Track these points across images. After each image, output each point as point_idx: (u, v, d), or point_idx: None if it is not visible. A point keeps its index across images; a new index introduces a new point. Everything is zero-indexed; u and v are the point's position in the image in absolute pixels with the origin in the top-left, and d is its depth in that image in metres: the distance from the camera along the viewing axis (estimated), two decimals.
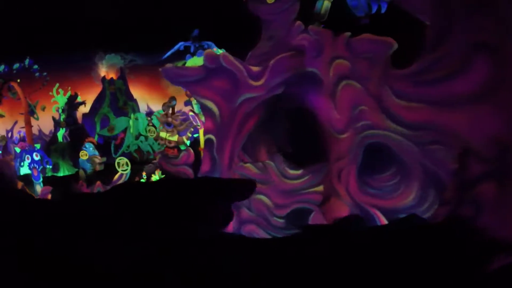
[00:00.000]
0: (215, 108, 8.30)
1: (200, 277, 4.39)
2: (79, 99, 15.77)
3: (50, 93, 16.50)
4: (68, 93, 16.30)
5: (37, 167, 11.13)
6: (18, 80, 15.54)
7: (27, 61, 16.54)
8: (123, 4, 17.05)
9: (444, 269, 5.05)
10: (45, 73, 16.56)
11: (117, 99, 16.10)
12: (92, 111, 16.00)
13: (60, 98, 16.36)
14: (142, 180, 9.71)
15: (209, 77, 8.24)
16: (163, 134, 10.11)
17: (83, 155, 9.95)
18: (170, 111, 10.49)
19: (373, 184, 7.84)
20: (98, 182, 10.31)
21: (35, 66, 16.51)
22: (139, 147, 13.72)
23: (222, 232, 5.93)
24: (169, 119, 10.09)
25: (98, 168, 9.41)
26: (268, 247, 5.56)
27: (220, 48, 12.74)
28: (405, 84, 7.57)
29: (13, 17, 17.22)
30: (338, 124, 8.03)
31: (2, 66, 16.40)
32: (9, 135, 19.51)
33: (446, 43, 7.33)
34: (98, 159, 10.08)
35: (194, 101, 11.41)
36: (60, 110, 16.25)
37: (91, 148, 10.23)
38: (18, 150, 17.99)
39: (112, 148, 11.95)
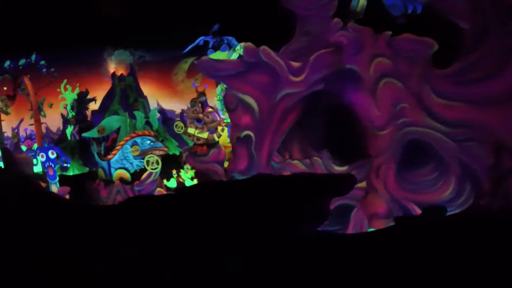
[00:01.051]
0: (254, 104, 8.03)
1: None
2: (88, 96, 15.31)
3: (58, 89, 16.04)
4: (77, 90, 15.85)
5: (53, 165, 10.65)
6: (28, 76, 15.08)
7: (33, 57, 16.06)
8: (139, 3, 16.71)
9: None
10: (52, 69, 16.10)
11: (127, 96, 15.67)
12: (102, 108, 15.54)
13: (68, 95, 15.91)
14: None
15: (248, 71, 7.98)
16: (191, 131, 9.70)
17: (135, 151, 9.40)
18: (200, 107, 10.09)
19: (411, 179, 7.92)
20: (117, 182, 9.84)
21: (42, 62, 16.04)
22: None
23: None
24: (200, 115, 9.67)
25: (151, 166, 8.73)
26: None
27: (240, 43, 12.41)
28: (445, 83, 7.82)
29: (19, 12, 16.75)
30: (378, 121, 7.96)
31: (8, 62, 15.89)
32: (15, 132, 19.00)
33: (483, 47, 7.61)
34: (160, 151, 9.38)
35: (217, 98, 11.03)
36: (69, 107, 15.80)
37: (148, 142, 9.63)
38: (24, 148, 17.56)
39: (102, 151, 11.41)
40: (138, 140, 9.64)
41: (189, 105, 11.12)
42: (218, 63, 8.39)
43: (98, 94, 15.92)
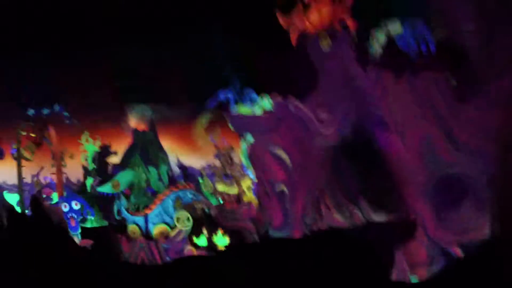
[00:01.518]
0: (286, 157, 8.06)
1: None
2: (110, 150, 15.44)
3: (79, 140, 16.19)
4: (98, 142, 15.99)
5: (75, 217, 10.56)
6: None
7: (56, 107, 16.35)
8: (152, 55, 17.22)
9: None
10: (75, 121, 16.33)
11: (148, 151, 15.74)
12: (122, 162, 15.59)
13: (89, 147, 16.03)
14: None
15: (278, 124, 8.07)
16: (220, 188, 9.54)
17: (178, 206, 9.27)
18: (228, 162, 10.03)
19: (450, 219, 7.70)
20: (141, 238, 9.63)
21: (65, 113, 16.31)
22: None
23: None
24: (228, 171, 9.59)
25: (181, 224, 8.41)
26: None
27: (259, 95, 12.60)
28: (466, 112, 7.76)
29: (44, 64, 17.26)
30: (409, 161, 7.88)
31: (32, 110, 16.19)
32: (34, 179, 19.01)
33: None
34: (203, 204, 9.27)
35: (241, 152, 11.07)
36: (89, 159, 15.88)
37: (190, 195, 9.56)
38: (43, 196, 17.54)
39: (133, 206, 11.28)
40: (180, 193, 9.56)
41: (214, 161, 11.06)
42: (249, 118, 8.52)
43: (119, 148, 16.04)
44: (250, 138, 10.57)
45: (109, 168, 15.36)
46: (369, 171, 8.30)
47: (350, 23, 9.06)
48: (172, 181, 14.65)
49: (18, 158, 15.80)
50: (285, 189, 8.03)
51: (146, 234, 9.91)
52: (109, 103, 16.94)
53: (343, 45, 8.73)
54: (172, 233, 8.40)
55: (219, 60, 15.72)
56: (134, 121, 17.03)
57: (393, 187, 8.05)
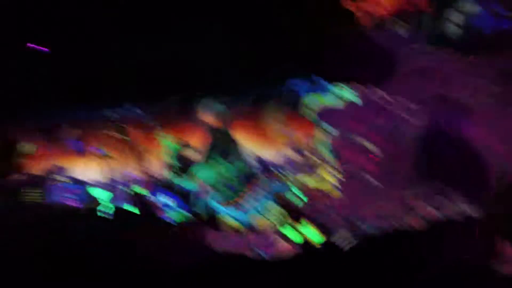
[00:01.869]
0: (373, 148, 7.85)
1: None
2: (188, 145, 15.74)
3: (155, 137, 16.64)
4: (173, 138, 16.38)
5: (168, 211, 10.82)
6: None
7: (132, 106, 16.87)
8: (223, 50, 17.30)
9: None
10: (151, 118, 16.78)
11: (223, 145, 15.94)
12: (200, 156, 15.88)
13: (166, 143, 16.46)
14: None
15: (362, 113, 7.85)
16: (307, 181, 9.29)
17: (271, 197, 9.20)
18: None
19: None
20: (230, 230, 9.50)
21: (138, 111, 16.81)
22: None
23: None
24: (312, 163, 9.36)
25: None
26: None
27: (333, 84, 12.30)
28: None
29: (120, 63, 17.85)
30: (503, 155, 7.45)
31: (108, 110, 16.84)
32: (116, 176, 19.91)
33: None
34: (290, 197, 9.17)
35: (321, 143, 10.81)
36: (167, 155, 16.30)
37: (278, 187, 9.51)
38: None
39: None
40: (271, 185, 9.50)
41: (290, 153, 10.85)
42: (330, 106, 8.32)
43: (193, 143, 16.35)
44: (329, 128, 10.38)
45: (188, 163, 15.67)
46: (458, 161, 7.94)
47: (424, 4, 8.71)
48: (251, 174, 14.72)
49: (101, 155, 16.56)
50: (375, 181, 7.82)
51: (241, 226, 9.83)
52: (182, 98, 17.24)
53: (418, 28, 8.36)
54: (263, 226, 8.28)
55: (286, 49, 15.58)
56: (207, 116, 17.30)
57: (485, 177, 7.66)
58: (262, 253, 8.13)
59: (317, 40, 14.80)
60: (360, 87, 7.75)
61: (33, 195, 12.82)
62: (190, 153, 15.83)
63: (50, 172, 18.71)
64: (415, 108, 7.78)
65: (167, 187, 15.46)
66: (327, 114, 8.21)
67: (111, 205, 14.12)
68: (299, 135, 13.57)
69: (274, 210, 8.07)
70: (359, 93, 7.75)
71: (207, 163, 15.00)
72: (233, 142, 16.31)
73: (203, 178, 11.90)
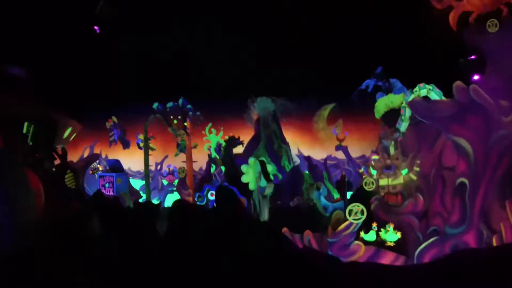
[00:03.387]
0: (469, 148, 7.59)
1: None
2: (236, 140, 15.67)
3: (203, 132, 16.59)
4: (221, 133, 16.34)
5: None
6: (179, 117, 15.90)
7: (180, 101, 16.81)
8: (275, 49, 17.27)
9: None
10: (198, 113, 16.73)
11: (272, 142, 15.91)
12: (246, 152, 15.83)
13: (212, 137, 16.40)
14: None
15: (461, 112, 7.60)
16: (383, 182, 9.01)
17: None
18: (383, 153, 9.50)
19: None
20: (307, 231, 9.10)
21: (189, 106, 16.74)
22: None
23: None
24: (388, 161, 9.10)
25: (354, 216, 7.95)
26: None
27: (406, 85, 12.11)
28: None
29: (170, 58, 17.91)
30: None
31: (156, 104, 16.79)
32: (158, 167, 19.94)
33: None
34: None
35: (387, 140, 10.54)
36: (212, 149, 16.25)
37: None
38: (165, 182, 18.28)
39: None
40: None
41: (376, 153, 10.47)
42: (432, 105, 8.10)
43: (242, 138, 16.27)
44: (403, 128, 10.19)
45: (234, 158, 15.59)
46: None
47: None
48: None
49: (145, 148, 16.53)
50: (466, 181, 7.58)
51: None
52: (232, 95, 17.22)
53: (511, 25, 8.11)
54: (342, 226, 8.00)
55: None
56: (256, 113, 17.29)
57: None
58: (331, 253, 7.78)
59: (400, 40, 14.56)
60: (461, 84, 7.48)
61: (69, 180, 12.68)
62: (237, 147, 15.76)
63: (92, 159, 18.80)
64: (508, 105, 7.48)
65: (206, 180, 15.33)
66: (438, 113, 7.86)
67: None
68: (342, 137, 13.47)
69: (358, 208, 7.74)
70: (462, 90, 7.46)
71: (252, 156, 14.94)
72: (280, 139, 16.28)
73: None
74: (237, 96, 17.05)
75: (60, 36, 16.48)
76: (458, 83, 7.57)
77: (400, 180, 8.70)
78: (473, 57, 12.72)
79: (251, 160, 11.42)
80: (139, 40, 17.70)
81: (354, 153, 17.27)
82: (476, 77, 9.10)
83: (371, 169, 9.12)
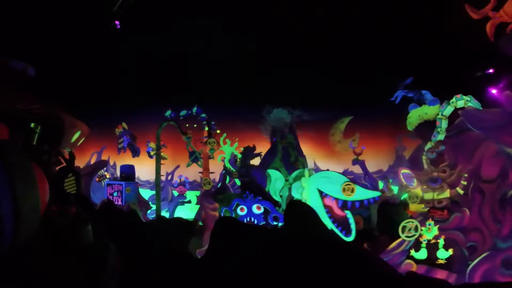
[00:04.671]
0: None
1: None
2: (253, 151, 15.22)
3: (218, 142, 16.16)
4: (235, 144, 15.91)
5: (256, 222, 10.10)
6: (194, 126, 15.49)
7: (194, 109, 16.42)
8: (292, 60, 16.95)
9: None
10: (212, 122, 16.33)
11: (289, 154, 15.46)
12: (262, 164, 15.36)
13: (226, 148, 15.97)
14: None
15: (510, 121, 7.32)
16: (428, 196, 8.60)
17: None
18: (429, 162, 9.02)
19: None
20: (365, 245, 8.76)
21: (203, 115, 16.33)
22: None
23: None
24: (435, 174, 8.69)
25: (407, 233, 7.54)
26: None
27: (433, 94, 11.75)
28: None
29: (184, 66, 17.54)
30: None
31: (169, 111, 16.39)
32: (169, 177, 19.40)
33: None
34: None
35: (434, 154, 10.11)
36: (226, 161, 15.79)
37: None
38: (176, 193, 17.77)
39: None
40: None
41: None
42: (484, 114, 7.77)
43: (258, 150, 15.84)
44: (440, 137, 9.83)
45: (251, 170, 15.12)
46: None
47: None
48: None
49: (157, 156, 16.07)
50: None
51: None
52: (247, 105, 16.84)
53: None
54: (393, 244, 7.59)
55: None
56: (272, 124, 16.85)
57: None
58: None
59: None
60: (510, 95, 7.18)
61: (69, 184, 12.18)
62: (254, 159, 15.28)
63: (99, 166, 18.29)
64: None
65: (220, 192, 14.85)
66: (489, 122, 7.56)
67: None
68: (359, 151, 13.07)
69: (412, 225, 7.37)
70: (508, 101, 7.17)
71: (268, 168, 14.48)
72: (297, 152, 15.81)
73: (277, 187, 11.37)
74: (252, 106, 16.63)
75: (71, 37, 16.07)
76: (507, 92, 7.28)
77: (446, 194, 8.30)
78: (490, 71, 12.52)
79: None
80: (152, 44, 17.31)
81: (371, 167, 16.88)
82: (494, 91, 9.02)
83: (390, 182, 8.80)
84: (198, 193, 16.55)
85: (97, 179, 18.22)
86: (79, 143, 16.63)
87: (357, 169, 16.79)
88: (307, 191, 9.74)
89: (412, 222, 7.37)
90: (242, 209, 10.54)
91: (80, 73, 16.91)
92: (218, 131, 15.90)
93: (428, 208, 8.23)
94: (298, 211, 5.43)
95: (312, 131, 17.09)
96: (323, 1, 15.46)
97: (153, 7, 16.05)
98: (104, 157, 19.86)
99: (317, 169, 17.08)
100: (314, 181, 9.96)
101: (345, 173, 16.25)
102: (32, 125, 11.31)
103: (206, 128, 15.60)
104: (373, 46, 15.76)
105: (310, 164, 16.76)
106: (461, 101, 9.45)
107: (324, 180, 9.83)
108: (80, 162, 19.10)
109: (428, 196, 8.26)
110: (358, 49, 16.04)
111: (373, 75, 15.64)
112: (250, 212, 10.38)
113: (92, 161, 19.76)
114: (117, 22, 15.52)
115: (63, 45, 15.96)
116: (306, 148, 16.62)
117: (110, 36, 16.08)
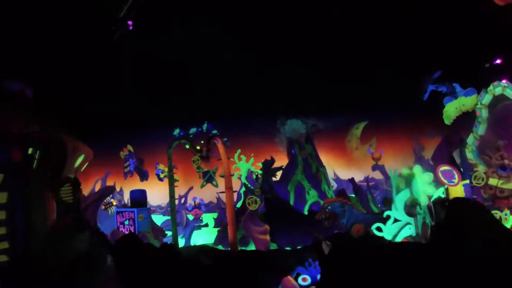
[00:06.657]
0: None
1: None
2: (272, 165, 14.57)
3: (231, 159, 15.41)
4: (251, 159, 15.23)
5: None
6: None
7: (205, 126, 15.62)
8: (301, 68, 16.40)
9: None
10: (225, 139, 15.59)
11: (310, 165, 14.85)
12: (283, 178, 14.74)
13: (242, 165, 15.28)
14: None
15: None
16: (493, 181, 8.12)
17: None
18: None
19: None
20: None
21: (214, 131, 15.57)
22: None
23: None
24: (506, 161, 8.19)
25: None
26: None
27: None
28: None
29: (191, 83, 16.82)
30: None
31: (177, 130, 15.55)
32: (182, 201, 18.40)
33: None
34: None
35: (468, 149, 9.67)
36: (243, 178, 15.10)
37: None
38: (191, 217, 16.73)
39: None
40: None
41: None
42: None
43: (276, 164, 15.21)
44: (480, 130, 9.47)
45: (273, 185, 14.46)
46: None
47: None
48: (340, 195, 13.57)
49: (170, 178, 15.23)
50: None
51: None
52: (259, 118, 16.20)
53: None
54: None
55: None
56: (288, 136, 16.23)
57: None
58: None
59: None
60: None
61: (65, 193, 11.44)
62: (275, 173, 14.62)
63: (106, 193, 17.31)
64: None
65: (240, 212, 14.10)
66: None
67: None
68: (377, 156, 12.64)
69: None
70: None
71: (290, 181, 13.90)
72: (317, 161, 15.23)
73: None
74: (265, 118, 16.01)
75: (72, 54, 15.25)
76: None
77: (511, 185, 7.90)
78: (498, 61, 12.19)
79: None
80: (156, 59, 16.58)
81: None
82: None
83: None
84: (215, 215, 15.80)
85: (103, 207, 17.26)
86: (83, 168, 15.67)
87: (377, 175, 16.27)
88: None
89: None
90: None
91: (81, 93, 16.04)
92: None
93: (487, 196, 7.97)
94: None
95: (328, 140, 16.55)
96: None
97: (160, 19, 15.39)
98: (109, 183, 18.86)
99: (337, 179, 16.54)
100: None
101: (366, 180, 15.75)
102: (31, 150, 10.25)
103: (187, 146, 14.53)
104: (381, 47, 15.39)
105: (330, 173, 16.20)
106: (498, 87, 9.25)
107: None
108: (83, 190, 18.11)
109: (493, 181, 7.97)
110: (367, 52, 15.63)
111: (383, 77, 15.22)
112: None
113: (97, 188, 18.75)
114: (129, 22, 14.77)
115: (64, 64, 15.15)
116: (324, 158, 16.06)
117: (114, 50, 15.33)
